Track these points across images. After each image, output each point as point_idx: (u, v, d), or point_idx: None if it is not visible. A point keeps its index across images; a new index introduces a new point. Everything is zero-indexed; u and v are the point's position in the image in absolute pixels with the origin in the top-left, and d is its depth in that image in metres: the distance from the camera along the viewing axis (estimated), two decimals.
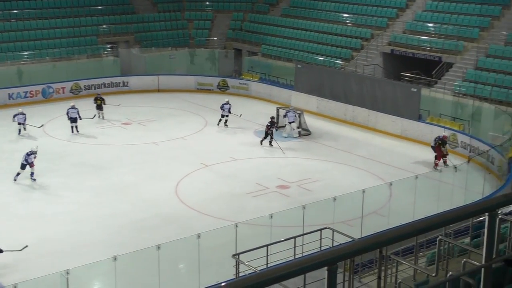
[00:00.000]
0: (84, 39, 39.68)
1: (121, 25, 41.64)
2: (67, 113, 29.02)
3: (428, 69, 32.53)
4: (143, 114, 32.65)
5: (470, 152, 25.66)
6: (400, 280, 10.60)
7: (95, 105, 31.18)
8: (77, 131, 28.89)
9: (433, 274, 9.83)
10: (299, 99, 33.63)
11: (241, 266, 13.68)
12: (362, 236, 16.66)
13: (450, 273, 9.29)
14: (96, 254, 16.57)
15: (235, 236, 16.07)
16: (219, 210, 20.54)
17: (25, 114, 28.84)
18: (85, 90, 36.10)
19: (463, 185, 21.56)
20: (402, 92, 29.53)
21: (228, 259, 14.00)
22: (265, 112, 31.86)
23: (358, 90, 31.22)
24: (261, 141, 27.26)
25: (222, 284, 5.04)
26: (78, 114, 28.93)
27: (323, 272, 4.32)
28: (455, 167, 21.93)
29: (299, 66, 34.56)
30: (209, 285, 14.26)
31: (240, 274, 13.72)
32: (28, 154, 22.82)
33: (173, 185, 22.76)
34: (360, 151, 27.19)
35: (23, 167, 22.78)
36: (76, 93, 35.76)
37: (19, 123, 28.76)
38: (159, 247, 14.68)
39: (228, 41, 42.73)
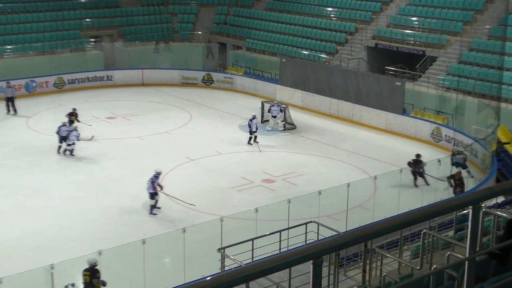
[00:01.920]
0: (67, 33, 39.40)
1: (105, 19, 41.38)
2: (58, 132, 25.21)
3: (412, 63, 32.68)
4: (128, 108, 32.51)
5: (454, 145, 25.83)
6: (384, 273, 10.64)
7: (68, 119, 26.97)
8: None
9: (418, 267, 9.92)
10: (284, 93, 33.66)
11: (226, 260, 13.69)
12: (347, 230, 16.73)
13: (435, 266, 9.37)
14: (81, 249, 16.50)
15: (221, 230, 16.09)
16: (205, 204, 20.53)
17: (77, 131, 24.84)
18: (68, 84, 35.86)
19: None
20: (387, 86, 29.64)
21: (214, 253, 14.00)
22: (250, 106, 31.89)
23: (343, 84, 31.30)
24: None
25: (208, 278, 5.05)
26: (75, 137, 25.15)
27: (308, 266, 4.34)
28: (439, 161, 22.06)
29: (283, 60, 34.57)
30: (195, 280, 14.25)
31: (226, 268, 13.73)
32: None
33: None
34: (345, 145, 27.27)
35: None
36: (59, 87, 35.52)
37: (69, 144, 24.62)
38: (144, 242, 14.66)
39: (212, 35, 42.63)
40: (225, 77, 37.48)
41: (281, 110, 28.96)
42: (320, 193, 19.26)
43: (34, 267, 14.52)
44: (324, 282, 11.25)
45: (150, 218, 19.48)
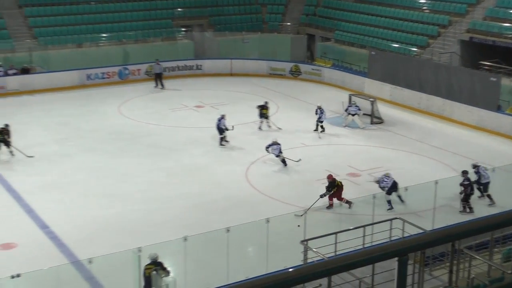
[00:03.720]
0: (159, 22, 40.35)
1: (196, 9, 42.06)
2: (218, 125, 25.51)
3: (509, 57, 31.38)
4: (216, 97, 32.95)
5: None
6: (473, 275, 10.31)
7: (259, 112, 27.55)
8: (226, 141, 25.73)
9: (509, 271, 9.52)
10: (372, 86, 33.14)
11: (309, 252, 13.65)
12: (434, 228, 16.31)
13: None
14: (166, 234, 16.92)
15: (304, 222, 16.06)
16: (289, 195, 20.55)
17: (279, 145, 23.20)
18: (147, 74, 36.61)
19: None
20: (481, 82, 28.61)
21: (297, 245, 13.99)
22: (337, 99, 31.61)
23: (433, 79, 30.47)
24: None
25: (290, 269, 5.03)
26: (225, 125, 25.43)
27: (392, 263, 4.25)
28: None
29: (372, 53, 34.01)
30: (277, 270, 14.31)
31: (308, 261, 13.70)
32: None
33: (244, 169, 22.92)
34: (433, 141, 26.58)
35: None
36: (151, 75, 36.41)
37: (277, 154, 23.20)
38: (228, 230, 14.83)
39: (301, 26, 42.48)
40: (313, 69, 37.29)
41: (359, 109, 28.57)
42: (406, 189, 18.91)
43: (122, 249, 15.00)
44: (408, 280, 11.02)
45: (235, 207, 19.65)
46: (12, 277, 13.21)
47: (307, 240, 13.88)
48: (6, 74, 33.27)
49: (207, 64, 38.26)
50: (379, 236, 15.04)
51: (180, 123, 28.58)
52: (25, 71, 34.14)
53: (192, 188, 21.26)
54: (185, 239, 14.41)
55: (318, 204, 18.67)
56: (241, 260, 16.21)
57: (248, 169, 22.94)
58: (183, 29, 40.74)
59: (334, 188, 19.13)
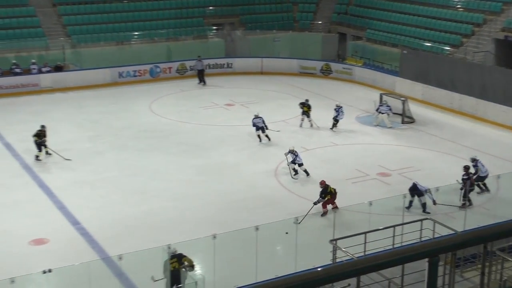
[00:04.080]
0: (191, 21, 40.56)
1: (227, 7, 42.17)
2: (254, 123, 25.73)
3: None
4: (246, 95, 32.99)
5: None
6: (505, 277, 10.15)
7: (301, 110, 27.76)
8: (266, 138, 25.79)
9: None
10: (403, 85, 32.82)
11: (338, 252, 13.59)
12: (466, 230, 16.10)
13: None
14: (196, 231, 16.99)
15: (333, 221, 15.98)
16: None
17: (295, 154, 22.11)
18: (190, 70, 36.87)
19: None
20: None
21: (326, 244, 13.93)
22: (367, 98, 31.40)
23: (467, 78, 30.06)
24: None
25: (319, 268, 5.00)
26: (264, 123, 25.61)
27: (422, 264, 4.19)
28: None
29: (404, 51, 33.69)
30: (306, 269, 14.27)
31: (337, 260, 13.64)
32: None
33: (273, 167, 22.89)
34: (466, 141, 26.23)
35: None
36: (182, 73, 36.61)
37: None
38: (257, 228, 14.83)
39: (332, 25, 42.30)
40: (344, 68, 37.09)
41: (390, 109, 28.31)
42: (437, 190, 18.69)
43: (152, 246, 15.10)
44: (439, 281, 10.89)
45: (264, 206, 19.61)
46: (44, 272, 13.39)
47: (336, 240, 13.82)
48: (40, 72, 33.76)
49: (238, 63, 38.32)
50: (409, 236, 14.91)
51: (210, 121, 28.67)
52: (58, 68, 34.61)
53: (221, 186, 21.31)
54: (214, 236, 14.45)
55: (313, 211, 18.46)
56: (269, 258, 16.20)
57: (277, 167, 22.91)
58: (214, 27, 40.87)
59: (327, 194, 18.90)
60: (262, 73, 37.95)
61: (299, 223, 16.48)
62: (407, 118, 28.73)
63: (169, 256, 13.99)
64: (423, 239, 14.73)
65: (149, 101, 31.74)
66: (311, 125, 27.69)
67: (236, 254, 16.33)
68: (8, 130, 26.92)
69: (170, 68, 36.66)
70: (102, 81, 34.63)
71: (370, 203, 17.23)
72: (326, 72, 37.42)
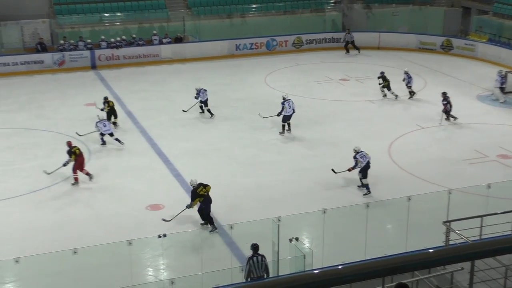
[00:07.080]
0: None
1: None
2: None
3: None
4: (362, 71, 32.45)
5: None
6: None
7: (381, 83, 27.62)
8: None
9: None
10: None
11: (451, 234, 13.16)
12: None
13: None
14: (306, 205, 17.04)
15: (448, 202, 15.49)
16: (432, 174, 19.88)
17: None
18: (306, 44, 36.71)
19: None
20: None
21: (438, 226, 13.52)
22: (490, 76, 29.95)
23: None
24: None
25: (431, 250, 4.85)
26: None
27: None
28: None
29: None
30: (417, 250, 13.95)
31: (450, 243, 13.22)
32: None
33: (387, 144, 22.47)
34: None
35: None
36: (298, 46, 36.52)
37: None
38: (368, 205, 14.66)
39: None
40: (466, 44, 35.53)
41: (504, 83, 26.99)
42: None
43: (262, 217, 15.31)
44: None
45: (375, 183, 19.29)
46: (159, 236, 13.95)
47: (450, 221, 13.37)
48: (161, 43, 34.84)
49: (355, 37, 37.66)
50: None
51: (324, 95, 28.48)
52: (178, 40, 35.56)
53: (333, 161, 21.15)
54: (324, 211, 14.43)
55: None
56: (379, 236, 15.99)
57: (391, 144, 22.46)
58: (332, 1, 40.34)
59: (72, 155, 18.41)
60: (379, 48, 37.13)
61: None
62: None
63: (193, 186, 16.47)
64: None
65: (264, 74, 31.97)
66: (396, 97, 27.33)
67: (345, 230, 16.25)
68: (130, 98, 28.07)
69: (286, 41, 36.67)
70: (219, 53, 35.24)
71: (489, 186, 16.55)
72: (446, 48, 36.03)
